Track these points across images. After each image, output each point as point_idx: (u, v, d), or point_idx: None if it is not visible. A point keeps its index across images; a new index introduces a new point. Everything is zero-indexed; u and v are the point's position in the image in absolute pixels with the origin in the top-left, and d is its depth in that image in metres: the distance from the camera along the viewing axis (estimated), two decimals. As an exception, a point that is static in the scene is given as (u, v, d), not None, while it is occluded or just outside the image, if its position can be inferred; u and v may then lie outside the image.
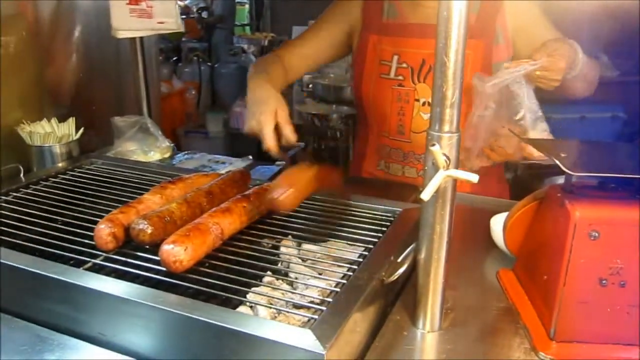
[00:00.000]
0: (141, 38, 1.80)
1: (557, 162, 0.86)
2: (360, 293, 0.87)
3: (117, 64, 1.92)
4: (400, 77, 1.61)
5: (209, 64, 5.05)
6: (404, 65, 1.60)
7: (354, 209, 1.22)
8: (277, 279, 0.99)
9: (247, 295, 0.91)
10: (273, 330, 0.77)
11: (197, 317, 0.80)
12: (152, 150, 1.64)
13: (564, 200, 0.89)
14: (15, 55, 1.55)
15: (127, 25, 1.64)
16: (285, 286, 0.97)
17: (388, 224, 1.14)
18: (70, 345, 0.90)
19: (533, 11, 1.57)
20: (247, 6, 6.77)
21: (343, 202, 1.25)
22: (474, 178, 0.81)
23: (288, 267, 1.03)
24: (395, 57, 1.61)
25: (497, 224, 1.22)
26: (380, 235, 1.09)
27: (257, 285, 0.94)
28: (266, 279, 0.98)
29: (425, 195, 0.82)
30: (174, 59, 5.03)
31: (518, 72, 1.30)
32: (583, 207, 0.87)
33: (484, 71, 1.53)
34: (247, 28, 6.68)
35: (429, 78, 1.58)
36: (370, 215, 1.19)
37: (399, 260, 0.98)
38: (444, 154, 0.82)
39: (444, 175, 0.81)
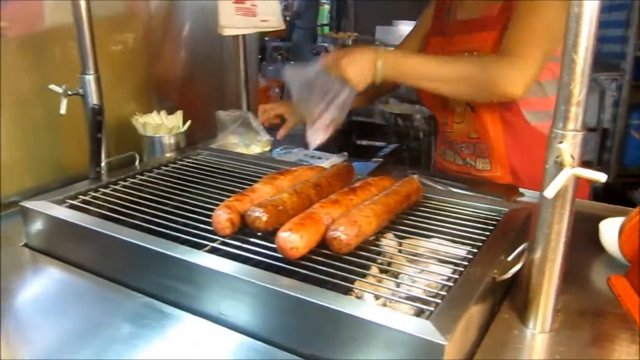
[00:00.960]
0: (244, 35, 1.87)
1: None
2: (476, 288, 0.87)
3: (220, 60, 2.01)
4: None
5: (292, 62, 5.15)
6: None
7: (457, 207, 1.22)
8: (382, 271, 1.01)
9: (353, 287, 0.93)
10: (393, 318, 0.79)
11: (317, 301, 0.83)
12: (253, 144, 1.70)
13: (694, 204, 0.86)
14: (131, 52, 1.66)
15: (232, 23, 1.71)
16: (391, 279, 0.99)
17: (495, 222, 1.13)
18: (191, 321, 0.96)
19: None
20: (327, 6, 6.84)
21: (446, 199, 1.25)
22: (602, 177, 0.79)
23: (390, 262, 1.04)
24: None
25: (607, 228, 1.18)
26: (488, 234, 1.08)
27: (363, 276, 0.97)
28: (371, 272, 1.00)
29: (549, 192, 0.81)
30: (259, 57, 5.16)
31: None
32: None
33: None
34: (326, 28, 6.74)
35: None
36: (475, 213, 1.19)
37: (510, 259, 0.98)
38: (570, 153, 0.81)
39: (570, 173, 0.80)
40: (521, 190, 1.51)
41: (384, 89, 1.94)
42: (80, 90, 1.38)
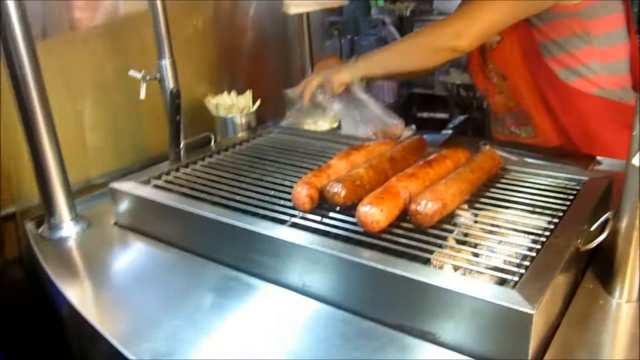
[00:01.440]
0: (308, 13, 1.89)
1: None
2: (560, 259, 0.87)
3: (286, 39, 2.04)
4: None
5: (349, 37, 5.11)
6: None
7: (534, 177, 1.21)
8: (459, 243, 1.02)
9: (431, 258, 0.95)
10: (477, 287, 0.80)
11: (404, 274, 0.85)
12: (321, 120, 1.73)
13: None
14: (201, 34, 1.71)
15: (298, 0, 1.73)
16: (469, 250, 0.99)
17: (575, 192, 1.11)
18: (275, 292, 1.01)
19: None
20: (381, -22, 6.71)
21: (522, 170, 1.23)
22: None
23: (467, 234, 1.04)
24: None
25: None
26: (568, 203, 1.07)
27: (440, 247, 0.98)
28: (448, 244, 1.01)
29: (638, 160, 0.79)
30: (316, 34, 5.15)
31: None
32: None
33: (532, 54, 1.59)
34: (381, 1, 6.65)
35: None
36: (554, 183, 1.17)
37: (593, 228, 0.96)
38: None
39: (661, 140, 0.78)
40: (598, 158, 1.47)
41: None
42: (158, 75, 1.44)
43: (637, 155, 0.80)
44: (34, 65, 1.15)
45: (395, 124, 1.63)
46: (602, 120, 1.57)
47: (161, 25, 1.40)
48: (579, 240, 0.93)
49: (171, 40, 1.43)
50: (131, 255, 1.23)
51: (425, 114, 4.36)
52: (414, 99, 4.87)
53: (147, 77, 1.43)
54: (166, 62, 1.43)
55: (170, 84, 1.43)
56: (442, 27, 1.51)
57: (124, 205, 1.27)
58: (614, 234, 0.92)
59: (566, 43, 1.54)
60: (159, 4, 1.39)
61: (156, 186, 1.28)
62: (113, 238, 1.28)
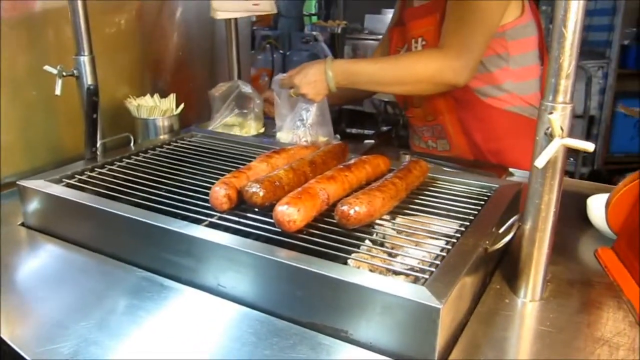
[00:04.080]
0: (236, 20, 1.88)
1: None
2: (468, 258, 0.90)
3: (212, 44, 2.02)
4: None
5: (281, 51, 5.14)
6: (404, 48, 1.76)
7: (450, 184, 1.25)
8: (375, 247, 1.04)
9: (349, 260, 0.96)
10: (390, 284, 0.82)
11: (317, 270, 0.85)
12: (247, 126, 1.72)
13: (678, 174, 0.89)
14: (124, 34, 1.66)
15: (225, 6, 1.72)
16: (386, 250, 1.01)
17: (486, 198, 1.16)
18: (191, 293, 0.98)
19: None
20: (316, -5, 6.81)
21: (438, 177, 1.27)
22: (590, 147, 0.82)
23: (385, 237, 1.06)
24: (406, 45, 1.76)
25: (595, 203, 1.21)
26: (479, 208, 1.11)
27: (358, 249, 0.99)
28: (366, 245, 1.02)
29: (540, 162, 0.84)
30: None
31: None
32: (699, 181, 0.86)
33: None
34: (314, 18, 6.73)
35: None
36: (467, 190, 1.22)
37: (501, 231, 1.00)
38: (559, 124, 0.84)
39: (560, 143, 0.83)
40: (511, 170, 1.54)
41: (358, 95, 2.00)
42: (75, 72, 1.39)
43: (540, 157, 0.84)
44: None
45: (325, 140, 1.64)
46: (514, 136, 1.66)
47: (80, 20, 1.36)
48: (487, 242, 0.97)
49: (90, 36, 1.38)
50: (40, 258, 1.16)
51: (354, 130, 4.43)
52: (343, 115, 4.95)
53: (64, 73, 1.37)
54: (85, 59, 1.38)
55: (88, 80, 1.38)
56: (444, 60, 1.50)
57: (32, 205, 1.21)
58: (520, 236, 0.97)
59: (488, 62, 1.62)
60: (78, -2, 1.34)
61: (68, 185, 1.23)
62: (20, 239, 1.21)
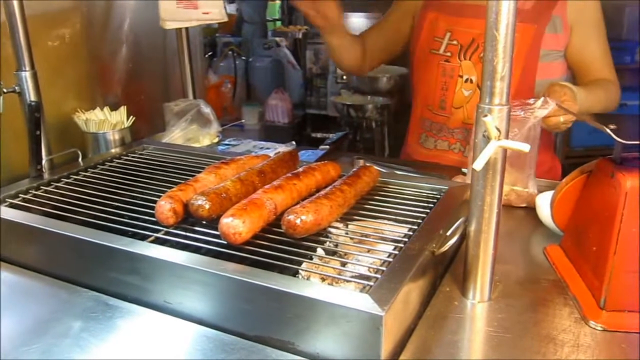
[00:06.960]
0: (187, 29, 1.86)
1: (608, 132, 0.87)
2: (413, 263, 0.90)
3: (164, 55, 1.99)
4: (448, 54, 1.72)
5: (244, 58, 5.12)
6: (454, 42, 1.70)
7: (400, 188, 1.25)
8: (328, 253, 1.03)
9: (300, 270, 0.95)
10: (333, 294, 0.81)
11: (260, 283, 0.84)
12: (201, 136, 1.70)
13: (615, 171, 0.91)
14: (70, 47, 1.63)
15: (174, 16, 1.70)
16: (337, 259, 1.00)
17: (435, 201, 1.17)
18: (138, 312, 0.96)
19: (594, 14, 1.66)
20: (278, 1, 6.81)
21: (389, 181, 1.28)
22: (525, 147, 0.83)
23: (337, 245, 1.06)
24: (448, 34, 1.71)
25: (543, 201, 1.23)
26: (428, 211, 1.12)
27: (310, 258, 0.98)
28: (317, 254, 1.01)
29: (478, 165, 0.84)
30: (210, 53, 5.11)
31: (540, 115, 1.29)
32: (633, 177, 0.88)
33: (530, 56, 1.61)
34: (279, 23, 6.73)
35: (475, 56, 1.67)
36: (417, 193, 1.22)
37: (449, 233, 1.01)
38: (495, 126, 0.84)
39: (496, 145, 0.84)
40: (463, 170, 1.55)
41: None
42: (17, 88, 1.35)
43: (477, 160, 0.85)
44: None
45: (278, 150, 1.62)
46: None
47: (20, 35, 1.32)
48: (434, 245, 0.97)
49: (31, 51, 1.34)
50: (-18, 282, 1.12)
51: (319, 134, 4.44)
52: (308, 119, 4.96)
53: (4, 90, 1.33)
54: (26, 74, 1.34)
55: (30, 96, 1.35)
56: (616, 94, 1.70)
57: (-27, 227, 1.17)
58: (467, 238, 0.97)
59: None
60: (17, 11, 1.31)
61: (12, 205, 1.19)
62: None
